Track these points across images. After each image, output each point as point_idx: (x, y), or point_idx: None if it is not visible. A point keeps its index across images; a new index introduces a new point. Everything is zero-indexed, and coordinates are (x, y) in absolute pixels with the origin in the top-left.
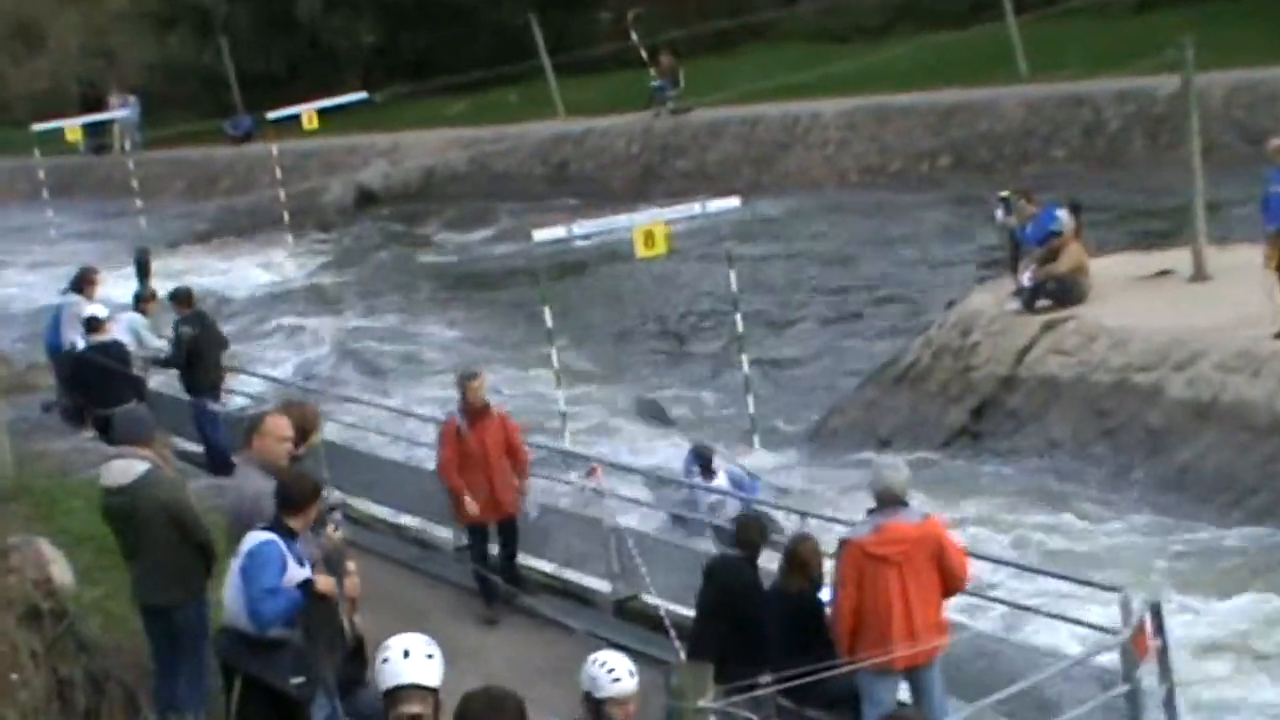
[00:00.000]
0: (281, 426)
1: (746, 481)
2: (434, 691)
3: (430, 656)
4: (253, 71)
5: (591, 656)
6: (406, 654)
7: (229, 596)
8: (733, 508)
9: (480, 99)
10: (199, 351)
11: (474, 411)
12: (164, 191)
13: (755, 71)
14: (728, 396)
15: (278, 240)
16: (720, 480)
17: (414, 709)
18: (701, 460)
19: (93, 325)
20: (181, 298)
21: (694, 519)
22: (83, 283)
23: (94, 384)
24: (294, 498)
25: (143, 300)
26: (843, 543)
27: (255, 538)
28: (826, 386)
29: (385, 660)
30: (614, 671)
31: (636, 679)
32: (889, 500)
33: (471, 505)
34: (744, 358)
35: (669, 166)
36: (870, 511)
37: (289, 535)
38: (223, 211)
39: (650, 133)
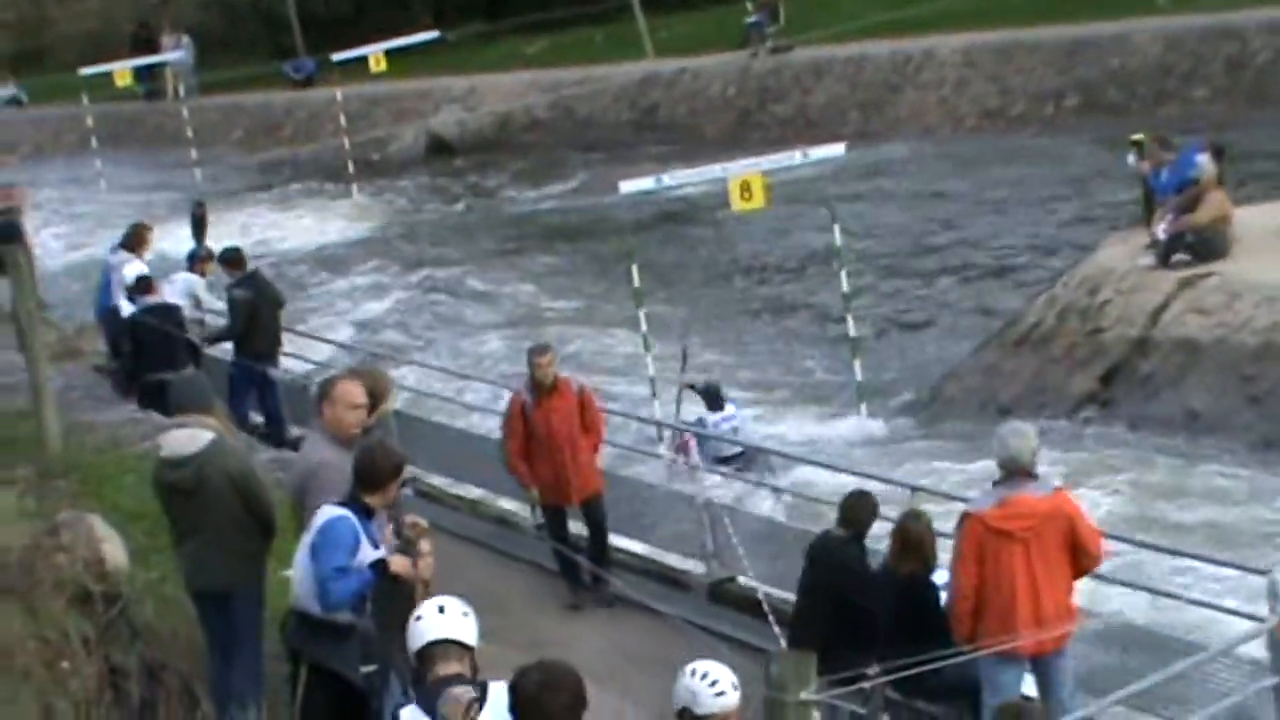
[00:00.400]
0: (353, 393)
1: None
2: (470, 650)
3: (466, 614)
4: (315, 10)
5: (689, 667)
6: (441, 610)
7: (298, 575)
8: (746, 435)
9: (561, 38)
10: (256, 316)
11: (542, 389)
12: (220, 140)
13: (862, 4)
14: (832, 360)
15: (343, 193)
16: (729, 410)
17: (451, 668)
18: (711, 397)
19: (141, 286)
20: (232, 259)
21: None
22: (134, 240)
23: (146, 350)
24: (374, 473)
25: (199, 260)
26: (963, 516)
27: (328, 512)
28: (940, 350)
29: (418, 619)
30: (717, 684)
31: (739, 692)
32: (1015, 471)
33: (534, 496)
34: (850, 318)
35: (767, 111)
36: (994, 483)
37: (365, 513)
38: (283, 162)
39: (747, 74)
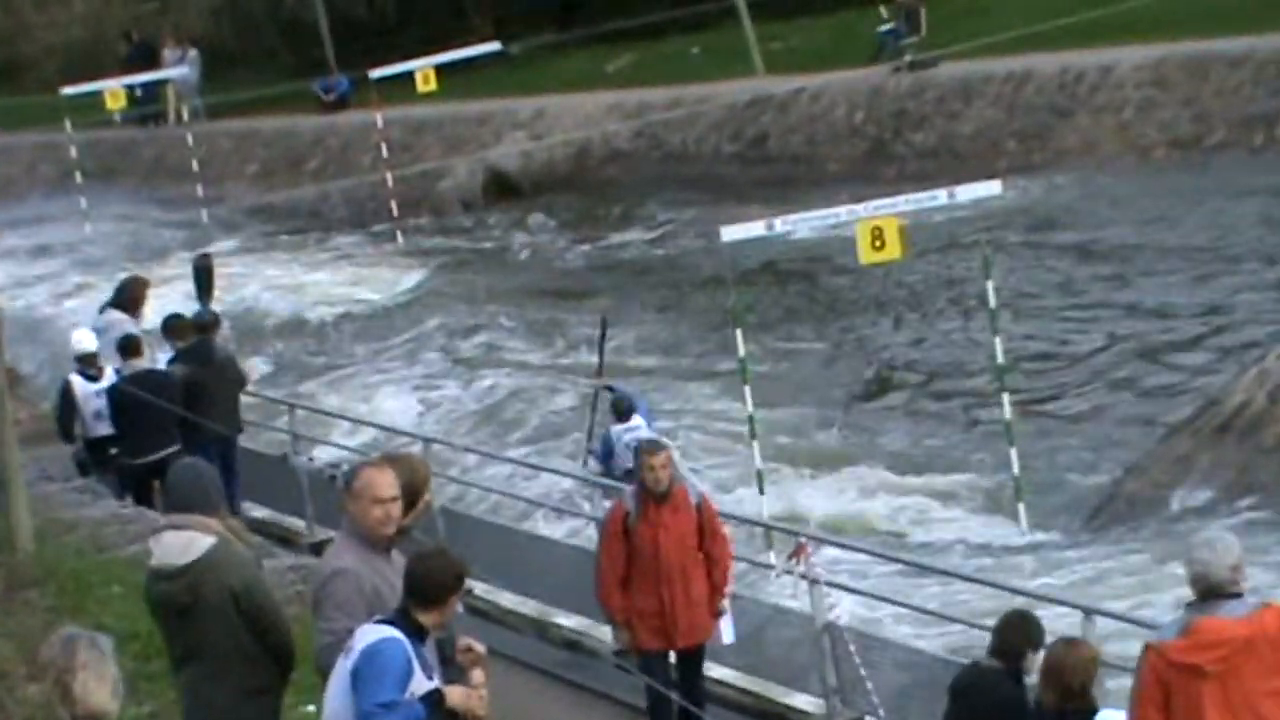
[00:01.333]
0: (379, 484)
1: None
2: None
3: None
4: (350, 17)
5: None
6: None
7: (332, 705)
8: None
9: (650, 51)
10: (201, 394)
11: (652, 499)
12: (232, 175)
13: (1022, 9)
14: (982, 447)
15: (381, 240)
16: (636, 419)
17: None
18: (621, 411)
19: (128, 348)
20: (173, 327)
21: (613, 463)
22: (128, 298)
23: (130, 425)
24: (431, 585)
25: (205, 325)
26: (1144, 649)
27: (374, 634)
28: (1119, 438)
29: None
30: None
31: None
32: (1207, 591)
33: (625, 638)
34: (1005, 397)
35: (904, 140)
36: (1186, 606)
37: (417, 634)
38: (309, 202)
39: (880, 95)
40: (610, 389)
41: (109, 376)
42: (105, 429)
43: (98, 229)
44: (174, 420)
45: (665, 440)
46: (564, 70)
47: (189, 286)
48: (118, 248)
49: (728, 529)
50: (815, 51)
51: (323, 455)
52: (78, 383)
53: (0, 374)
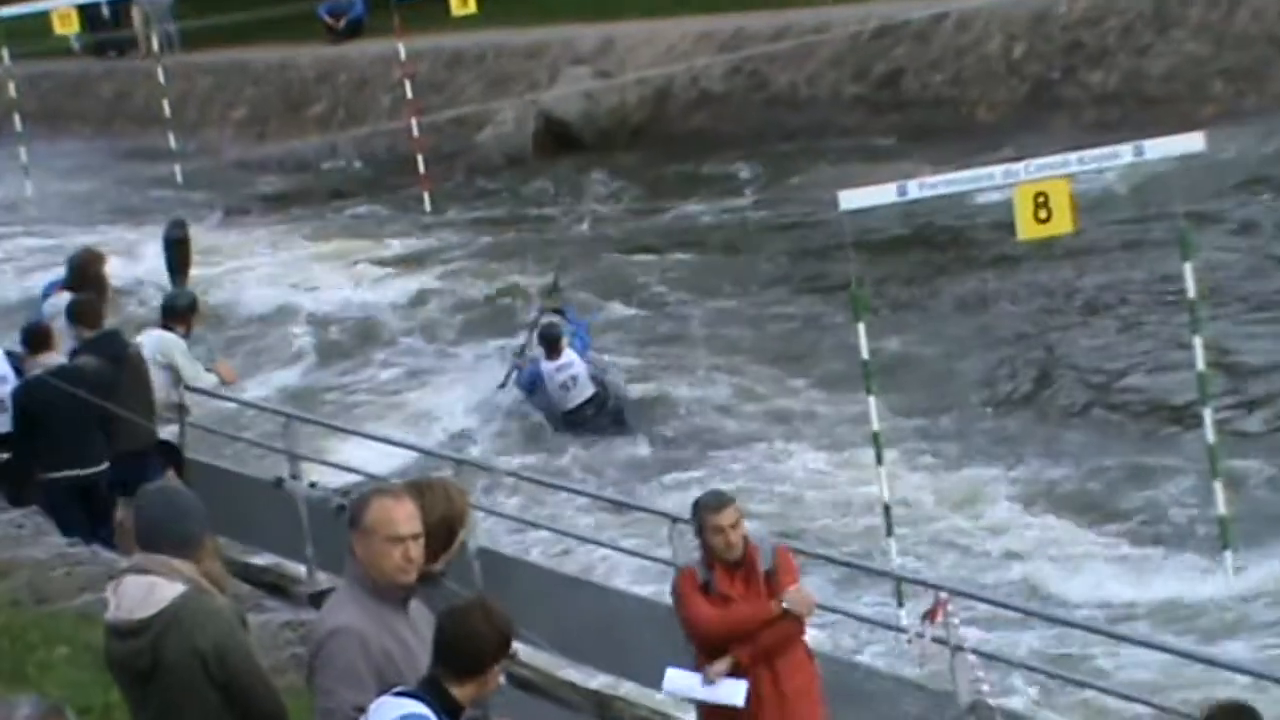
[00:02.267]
0: (395, 517)
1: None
2: None
3: None
4: None
5: None
6: None
7: None
8: (584, 383)
9: None
10: (110, 397)
11: (726, 565)
12: (214, 120)
13: None
14: (1177, 480)
15: (405, 207)
16: (568, 357)
17: None
18: (549, 341)
19: (35, 339)
20: (83, 311)
21: (540, 397)
22: (80, 275)
23: (45, 434)
24: (471, 650)
25: (177, 310)
26: None
27: (396, 710)
28: None
29: None
30: None
31: None
32: None
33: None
34: (1207, 414)
35: (1078, 81)
36: None
37: (450, 712)
38: (311, 155)
39: (1046, 22)
40: (560, 312)
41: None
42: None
43: (42, 188)
44: (91, 428)
45: (728, 492)
46: None
47: (158, 262)
48: (68, 212)
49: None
50: None
51: (328, 480)
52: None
53: None
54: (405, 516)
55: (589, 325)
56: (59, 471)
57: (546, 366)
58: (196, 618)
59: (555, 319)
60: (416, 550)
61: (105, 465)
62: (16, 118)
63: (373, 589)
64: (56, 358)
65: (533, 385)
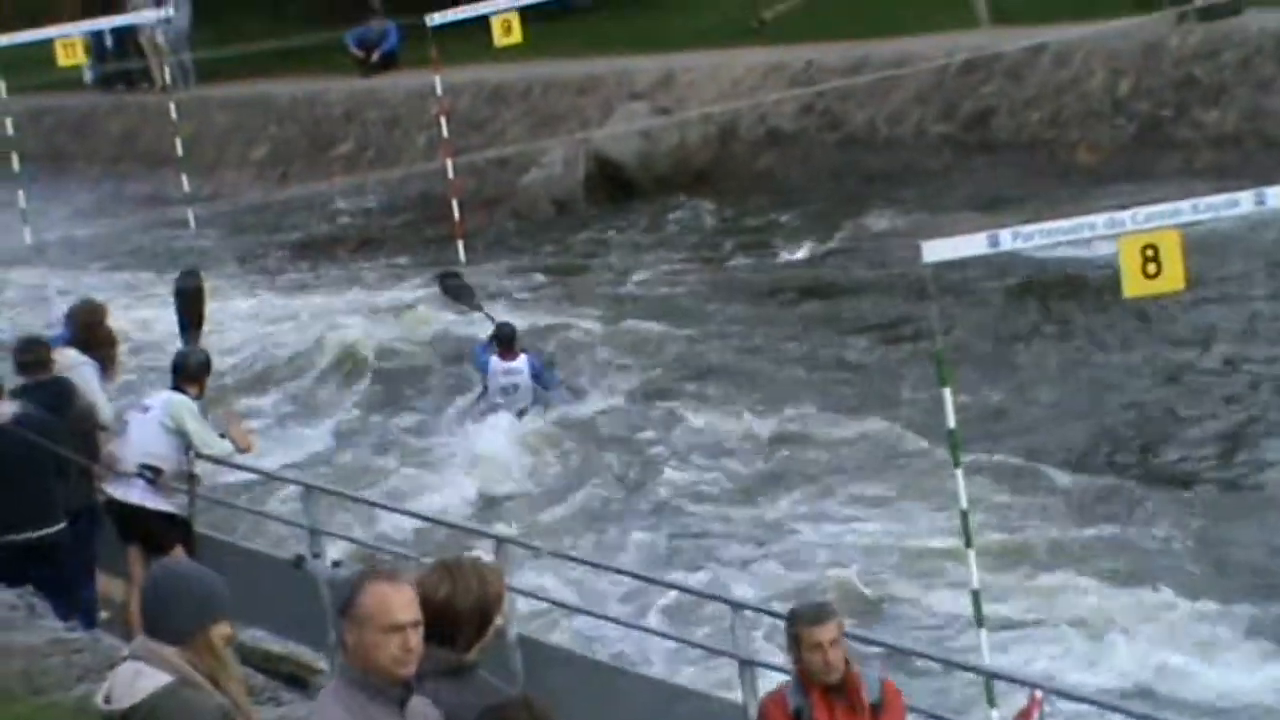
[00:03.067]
0: (394, 603)
1: (544, 373)
2: None
3: None
4: None
5: None
6: None
7: None
8: (525, 394)
9: None
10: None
11: (824, 690)
12: (231, 161)
13: None
14: None
15: (438, 254)
16: (519, 364)
17: None
18: (502, 339)
19: (28, 357)
20: (31, 354)
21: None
22: (84, 330)
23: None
24: None
25: (188, 371)
26: None
27: None
28: None
29: None
30: None
31: None
32: None
33: None
34: None
35: (1191, 120)
36: None
37: None
38: (338, 199)
39: (1156, 55)
40: (490, 318)
41: None
42: None
43: (42, 234)
44: (52, 483)
45: (829, 603)
46: (703, 16)
47: (169, 316)
48: (70, 262)
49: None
50: None
51: (351, 557)
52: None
53: None
54: (403, 602)
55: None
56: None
57: (496, 364)
58: (173, 714)
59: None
60: (416, 639)
61: (63, 525)
62: (15, 158)
63: (365, 685)
64: (9, 407)
65: (480, 367)
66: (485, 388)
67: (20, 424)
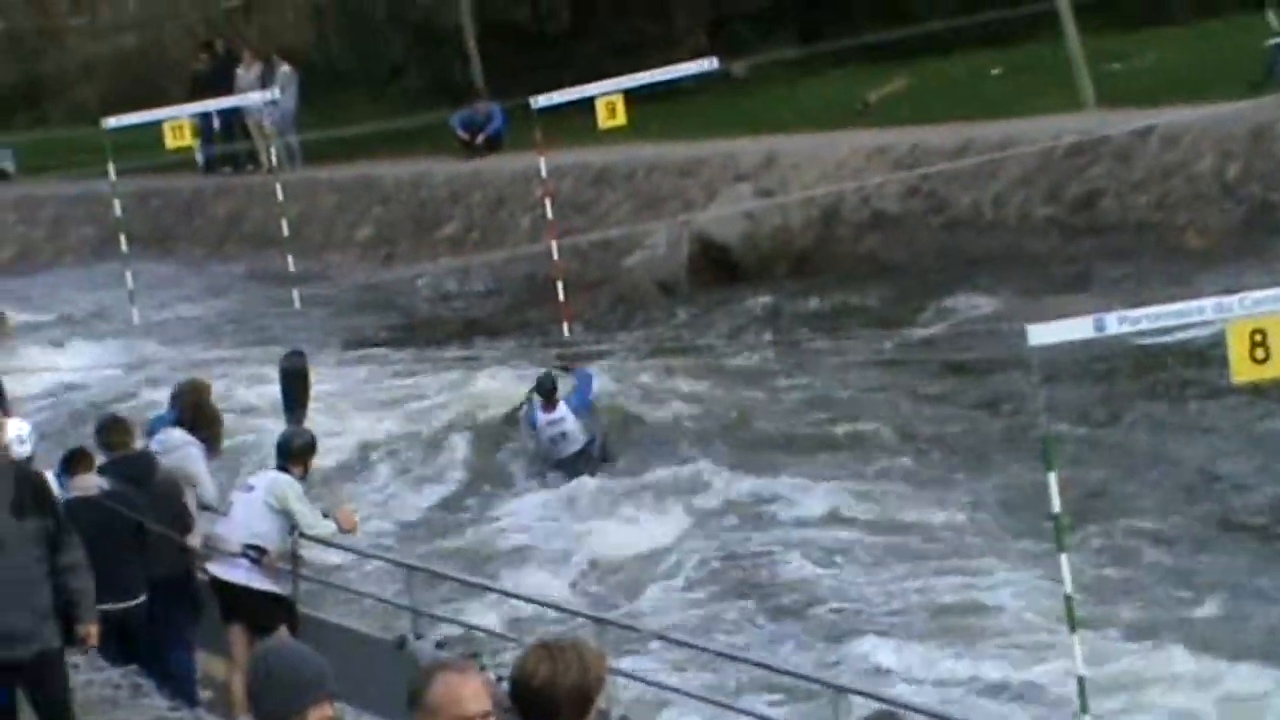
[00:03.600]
0: (462, 695)
1: (582, 398)
2: None
3: None
4: (506, 21)
5: None
6: None
7: None
8: (575, 438)
9: (930, 73)
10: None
11: None
12: (336, 243)
13: None
14: None
15: (542, 335)
16: (560, 412)
17: None
18: (542, 392)
19: (74, 461)
20: (111, 431)
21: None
22: (190, 409)
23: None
24: None
25: (293, 452)
26: None
27: None
28: None
29: None
30: None
31: None
32: None
33: None
34: None
35: None
36: None
37: None
38: (442, 281)
39: (1266, 138)
40: (567, 369)
41: None
42: None
43: (148, 315)
44: (132, 556)
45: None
46: (807, 98)
47: (274, 397)
48: (176, 343)
49: None
50: (1170, 75)
51: (455, 639)
52: None
53: None
54: (472, 693)
55: (591, 380)
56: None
57: (540, 417)
58: None
59: (555, 372)
60: None
61: (142, 598)
62: (123, 239)
63: None
64: (95, 481)
65: (529, 426)
66: (536, 443)
67: (106, 497)
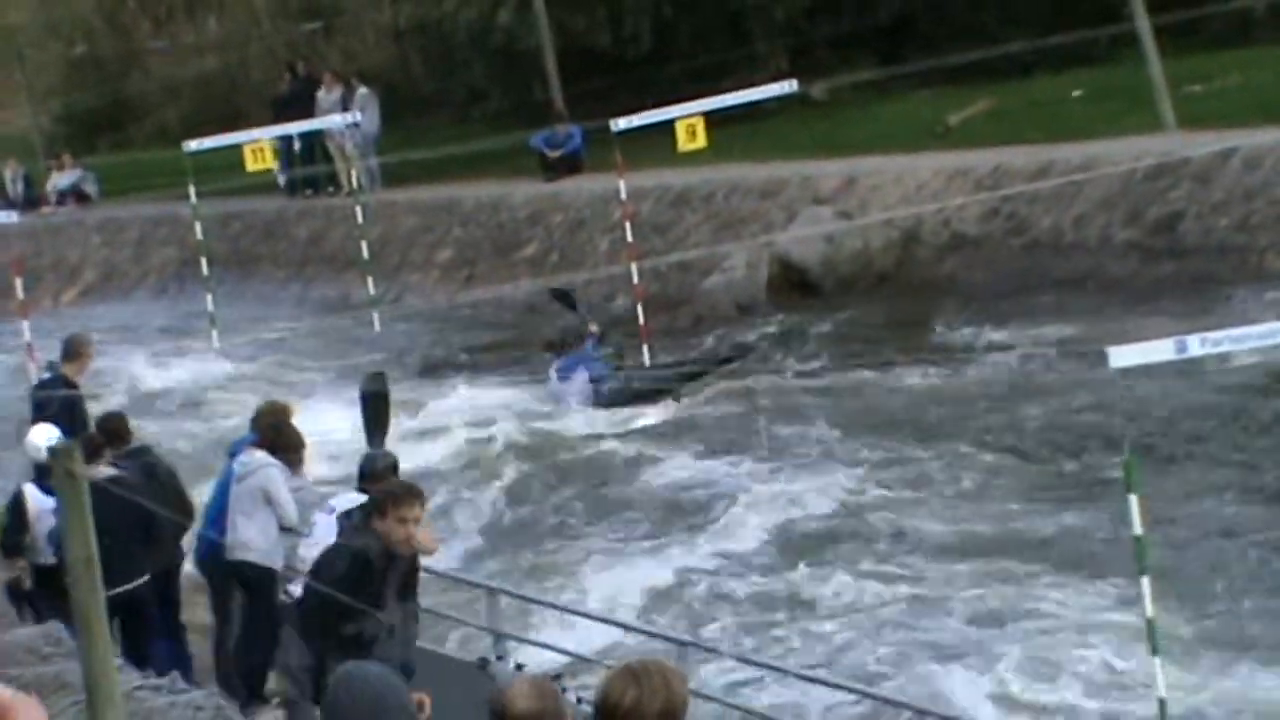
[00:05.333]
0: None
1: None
2: None
3: None
4: (586, 45)
5: None
6: None
7: None
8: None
9: (1010, 95)
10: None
11: None
12: (416, 264)
13: None
14: None
15: (624, 355)
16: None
17: None
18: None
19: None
20: (113, 427)
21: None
22: (270, 431)
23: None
24: None
25: (375, 475)
26: None
27: None
28: None
29: None
30: None
31: None
32: None
33: None
34: None
35: None
36: None
37: None
38: (522, 302)
39: None
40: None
41: None
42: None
43: (230, 338)
44: (138, 543)
45: None
46: (887, 121)
47: (355, 419)
48: (256, 365)
49: None
50: (1252, 97)
51: (537, 661)
52: (33, 495)
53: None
54: (526, 701)
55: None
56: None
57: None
58: None
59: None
60: None
61: (145, 578)
62: (204, 262)
63: None
64: (105, 469)
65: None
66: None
67: (113, 484)
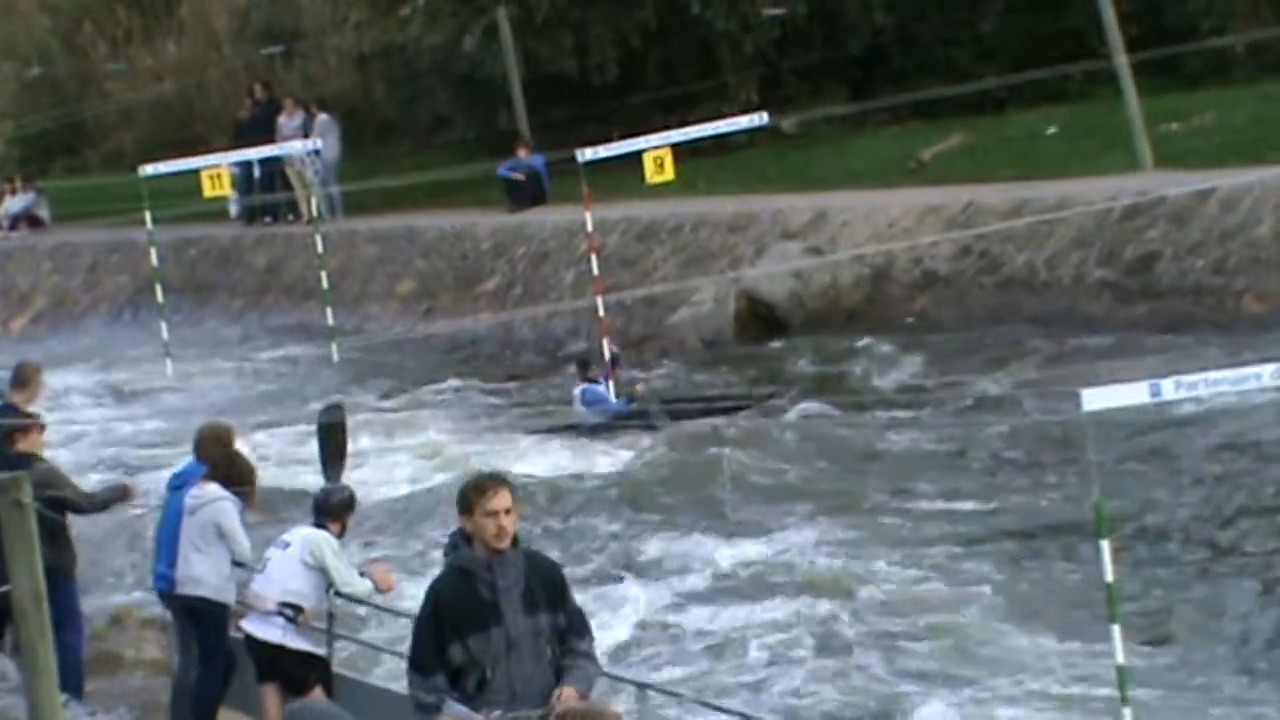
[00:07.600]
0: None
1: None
2: None
3: None
4: (552, 73)
5: None
6: None
7: None
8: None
9: (984, 131)
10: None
11: None
12: (376, 295)
13: None
14: None
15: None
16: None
17: None
18: (583, 366)
19: None
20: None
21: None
22: (224, 461)
23: None
24: None
25: (330, 509)
26: None
27: None
28: None
29: None
30: None
31: None
32: None
33: None
34: None
35: None
36: None
37: None
38: (485, 336)
39: None
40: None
41: None
42: None
43: (184, 367)
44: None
45: None
46: (858, 155)
47: (311, 451)
48: (212, 395)
49: None
50: (1230, 136)
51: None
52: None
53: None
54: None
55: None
56: None
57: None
58: None
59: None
60: None
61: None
62: (158, 289)
63: None
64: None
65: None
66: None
67: None
